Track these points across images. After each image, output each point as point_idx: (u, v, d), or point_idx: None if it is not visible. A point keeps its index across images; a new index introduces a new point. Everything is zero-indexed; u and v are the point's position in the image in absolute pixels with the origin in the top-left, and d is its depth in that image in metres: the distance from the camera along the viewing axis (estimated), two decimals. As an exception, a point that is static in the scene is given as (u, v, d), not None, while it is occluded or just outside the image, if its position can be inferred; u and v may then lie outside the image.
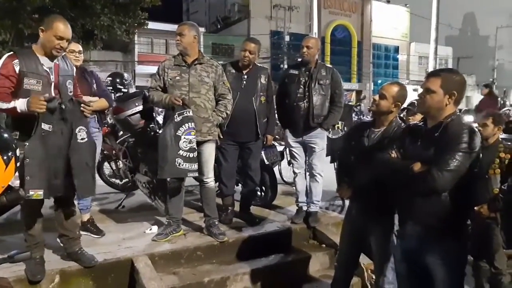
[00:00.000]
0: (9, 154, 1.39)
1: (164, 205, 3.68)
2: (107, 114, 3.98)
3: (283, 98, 3.94)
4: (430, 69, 18.22)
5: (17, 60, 2.56)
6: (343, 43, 30.25)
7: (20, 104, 2.49)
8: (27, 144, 2.45)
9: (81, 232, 3.47)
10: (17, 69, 2.55)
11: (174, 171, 3.21)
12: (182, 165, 3.19)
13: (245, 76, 3.82)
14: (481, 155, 2.06)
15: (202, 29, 23.47)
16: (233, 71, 3.84)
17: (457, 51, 40.84)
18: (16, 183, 2.29)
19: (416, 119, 3.54)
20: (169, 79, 3.36)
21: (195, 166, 3.25)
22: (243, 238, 3.58)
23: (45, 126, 2.53)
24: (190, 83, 3.35)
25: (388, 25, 32.97)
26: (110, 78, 4.68)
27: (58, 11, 10.98)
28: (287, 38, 25.70)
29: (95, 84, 3.41)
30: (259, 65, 4.02)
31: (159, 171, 3.27)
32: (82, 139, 2.71)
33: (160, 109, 4.38)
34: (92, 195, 3.18)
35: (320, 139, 3.88)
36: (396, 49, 35.70)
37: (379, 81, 31.39)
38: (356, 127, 3.02)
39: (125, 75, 4.79)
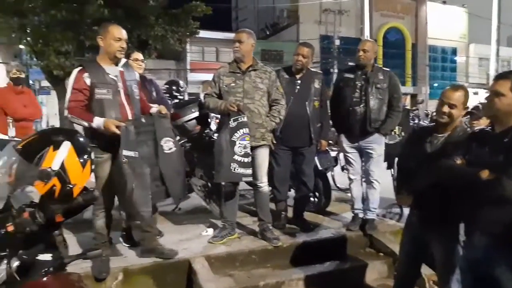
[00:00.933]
0: (85, 157, 1.49)
1: (219, 208, 3.76)
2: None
3: (338, 103, 3.89)
4: (492, 71, 17.24)
5: (87, 73, 2.76)
6: (396, 46, 29.29)
7: (98, 124, 2.69)
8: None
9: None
10: (88, 81, 2.74)
11: (229, 175, 3.27)
12: (237, 169, 3.24)
13: (299, 81, 3.82)
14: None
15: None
16: (286, 76, 3.86)
17: (521, 51, 38.20)
18: (92, 182, 2.45)
19: (481, 123, 3.37)
20: (224, 86, 3.44)
21: (249, 171, 3.29)
22: (297, 243, 3.56)
23: (127, 153, 2.68)
24: (244, 90, 3.40)
25: (444, 26, 31.54)
26: (167, 86, 4.86)
27: (116, 23, 11.57)
28: (337, 42, 25.33)
29: (154, 92, 3.56)
30: (312, 69, 4.00)
31: (215, 175, 3.34)
32: (169, 149, 2.94)
33: (214, 115, 4.49)
34: (183, 197, 3.50)
35: (377, 145, 3.79)
36: (454, 51, 34.04)
37: (435, 84, 30.10)
38: (416, 132, 2.92)
39: (181, 82, 4.95)
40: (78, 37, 10.51)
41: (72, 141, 1.48)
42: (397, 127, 4.96)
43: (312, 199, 4.49)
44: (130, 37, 12.70)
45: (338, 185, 5.76)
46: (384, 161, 4.18)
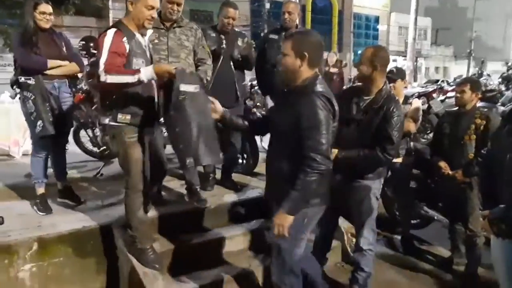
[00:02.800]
0: None
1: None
2: (81, 80, 3.83)
3: (262, 64, 3.86)
4: (410, 39, 18.29)
5: (125, 38, 2.38)
6: (324, 12, 29.77)
7: (146, 74, 2.27)
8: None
9: (58, 200, 3.43)
10: (127, 48, 2.38)
11: None
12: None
13: (224, 40, 3.71)
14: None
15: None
16: (213, 34, 3.73)
17: (436, 22, 40.93)
18: None
19: (397, 86, 3.54)
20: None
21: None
22: (225, 204, 3.57)
23: (185, 87, 2.25)
24: (169, 47, 3.22)
25: (369, -6, 32.60)
26: (83, 42, 4.48)
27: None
28: (267, 5, 25.09)
29: (64, 48, 3.24)
30: (236, 30, 3.91)
31: None
32: None
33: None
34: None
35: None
36: (377, 19, 35.47)
37: (359, 51, 31.29)
38: (345, 92, 3.06)
39: (100, 39, 4.58)
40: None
41: None
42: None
43: (240, 160, 4.50)
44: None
45: (265, 146, 5.82)
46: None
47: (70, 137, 5.43)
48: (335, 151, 2.41)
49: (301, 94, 2.06)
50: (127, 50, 2.40)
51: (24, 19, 3.14)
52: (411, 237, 3.99)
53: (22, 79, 3.06)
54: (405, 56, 21.68)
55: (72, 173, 4.49)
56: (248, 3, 26.62)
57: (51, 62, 3.10)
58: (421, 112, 3.66)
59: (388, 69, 3.35)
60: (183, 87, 2.18)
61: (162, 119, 2.77)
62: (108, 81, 2.28)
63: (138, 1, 2.41)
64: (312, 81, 2.08)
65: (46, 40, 3.16)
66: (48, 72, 3.11)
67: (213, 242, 3.16)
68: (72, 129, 5.36)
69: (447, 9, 58.21)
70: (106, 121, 2.53)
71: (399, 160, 3.55)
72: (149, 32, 2.64)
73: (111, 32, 2.38)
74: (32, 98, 3.04)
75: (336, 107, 2.12)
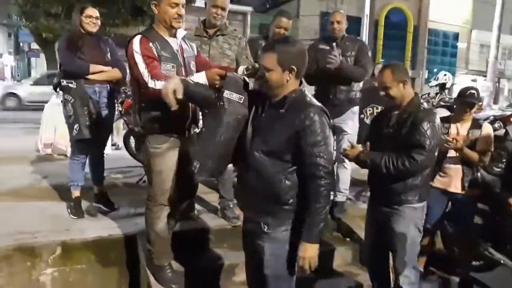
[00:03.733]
0: None
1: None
2: (125, 86, 3.84)
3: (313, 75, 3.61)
4: (491, 58, 16.89)
5: (151, 43, 2.27)
6: (398, 27, 28.57)
7: (199, 78, 2.19)
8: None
9: (94, 204, 3.42)
10: (155, 52, 2.27)
11: None
12: None
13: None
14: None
15: (250, 9, 23.07)
16: (264, 44, 3.54)
17: (524, 40, 37.61)
18: None
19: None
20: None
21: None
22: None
23: (230, 95, 2.03)
24: (210, 55, 3.09)
25: (448, 10, 30.82)
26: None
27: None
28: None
29: (109, 53, 3.25)
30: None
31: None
32: None
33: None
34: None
35: (351, 121, 3.59)
36: (456, 36, 33.37)
37: (435, 70, 29.61)
38: (378, 114, 2.82)
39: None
40: (69, 0, 10.03)
41: None
42: (379, 107, 4.70)
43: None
44: (124, 2, 12.30)
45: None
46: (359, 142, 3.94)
47: (121, 142, 5.63)
48: (355, 149, 2.37)
49: (296, 108, 1.85)
50: (156, 55, 2.28)
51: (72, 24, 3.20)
52: (472, 280, 3.46)
53: (64, 82, 3.10)
54: (486, 77, 20.08)
55: (116, 178, 4.59)
56: (318, 17, 26.48)
57: (93, 67, 3.12)
58: (492, 139, 3.16)
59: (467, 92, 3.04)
60: (227, 94, 2.01)
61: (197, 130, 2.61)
62: (158, 87, 2.15)
63: (161, 1, 2.29)
64: (301, 93, 1.90)
65: (92, 44, 3.19)
66: (90, 76, 3.12)
67: (240, 266, 2.92)
68: (123, 134, 5.58)
69: (537, 27, 53.49)
70: (136, 128, 2.44)
71: (460, 190, 3.11)
72: (181, 32, 2.46)
73: (136, 39, 2.28)
74: (72, 101, 3.07)
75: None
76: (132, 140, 5.09)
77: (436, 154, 2.37)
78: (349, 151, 2.41)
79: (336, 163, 3.63)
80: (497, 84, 29.11)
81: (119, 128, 6.09)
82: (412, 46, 29.88)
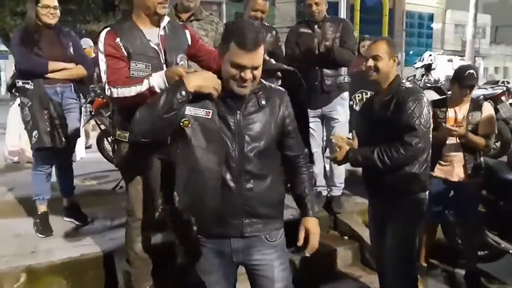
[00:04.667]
0: None
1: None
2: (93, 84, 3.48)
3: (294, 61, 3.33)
4: (468, 37, 16.90)
5: (119, 38, 1.90)
6: (373, 11, 28.49)
7: (157, 81, 1.77)
8: None
9: (65, 219, 3.08)
10: (122, 49, 1.90)
11: None
12: None
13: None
14: None
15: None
16: None
17: (496, 19, 38.16)
18: None
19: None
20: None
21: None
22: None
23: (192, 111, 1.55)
24: (184, 44, 2.75)
25: (422, -10, 30.95)
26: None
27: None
28: (313, 6, 24.44)
29: (71, 48, 2.87)
30: (266, 24, 3.44)
31: None
32: None
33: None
34: None
35: (341, 107, 3.32)
36: (431, 17, 33.59)
37: (411, 52, 29.73)
38: (368, 99, 2.63)
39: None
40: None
41: None
42: (369, 92, 4.44)
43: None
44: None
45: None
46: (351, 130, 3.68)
47: (95, 144, 5.23)
48: (342, 149, 2.13)
49: (404, 95, 2.04)
50: (124, 53, 1.91)
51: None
52: (478, 272, 3.25)
53: (20, 83, 2.72)
54: (462, 56, 20.19)
55: (90, 184, 4.23)
56: (294, 3, 26.12)
57: (53, 64, 2.74)
58: (495, 120, 2.94)
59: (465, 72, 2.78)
60: (190, 110, 1.51)
61: None
62: (115, 95, 1.84)
63: None
64: (399, 79, 2.14)
65: (51, 38, 2.81)
66: (49, 75, 2.75)
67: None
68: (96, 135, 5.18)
69: (508, 5, 54.40)
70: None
71: (462, 179, 2.88)
72: (165, 20, 2.06)
73: (102, 34, 1.92)
74: (29, 104, 2.70)
75: None
76: (106, 143, 4.71)
77: (430, 135, 2.13)
78: (336, 154, 2.15)
79: (329, 154, 3.38)
80: (473, 63, 29.44)
81: (88, 131, 5.70)
82: (388, 29, 29.79)
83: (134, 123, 1.52)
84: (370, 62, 2.13)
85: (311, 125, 3.30)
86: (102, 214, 3.28)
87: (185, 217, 1.60)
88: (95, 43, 2.23)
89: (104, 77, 1.90)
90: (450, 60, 30.01)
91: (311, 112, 3.27)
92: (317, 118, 3.31)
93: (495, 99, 5.60)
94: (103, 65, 1.90)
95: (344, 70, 3.34)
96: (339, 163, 2.19)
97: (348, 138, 2.29)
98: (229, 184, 1.54)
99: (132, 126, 1.54)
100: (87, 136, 5.76)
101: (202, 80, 1.50)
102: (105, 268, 2.54)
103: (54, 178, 3.08)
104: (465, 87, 2.80)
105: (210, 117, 1.51)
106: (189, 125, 1.49)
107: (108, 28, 1.95)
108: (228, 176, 1.53)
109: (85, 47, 3.91)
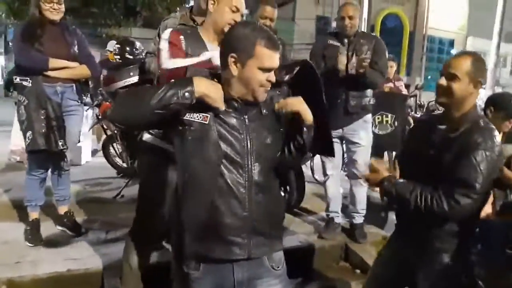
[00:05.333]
0: None
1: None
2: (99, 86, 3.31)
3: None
4: (491, 65, 16.56)
5: (182, 36, 1.80)
6: (394, 33, 28.33)
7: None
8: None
9: (58, 227, 2.88)
10: (183, 46, 1.78)
11: None
12: None
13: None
14: None
15: (246, 11, 22.67)
16: None
17: (518, 49, 37.67)
18: None
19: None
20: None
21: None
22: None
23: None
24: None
25: (444, 16, 30.75)
26: (119, 46, 3.98)
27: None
28: (333, 24, 24.38)
29: (76, 46, 2.71)
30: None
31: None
32: None
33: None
34: None
35: (364, 132, 3.05)
36: (451, 43, 33.34)
37: (429, 77, 29.38)
38: (419, 124, 2.15)
39: (137, 43, 4.05)
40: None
41: None
42: (389, 116, 4.21)
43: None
44: (116, 2, 11.86)
45: (317, 177, 4.98)
46: (372, 155, 3.43)
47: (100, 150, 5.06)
48: (378, 174, 1.74)
49: (476, 138, 1.55)
50: (184, 50, 1.75)
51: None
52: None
53: (18, 79, 2.54)
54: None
55: (91, 191, 4.05)
56: (314, 20, 26.11)
57: (54, 62, 2.58)
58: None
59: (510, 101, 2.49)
60: (188, 114, 1.34)
61: None
62: (170, 66, 1.67)
63: (222, 1, 1.80)
64: (476, 112, 1.66)
65: (54, 35, 2.65)
66: (50, 73, 2.58)
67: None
68: (102, 140, 5.02)
69: (531, 36, 53.89)
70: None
71: (491, 217, 2.60)
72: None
73: (167, 32, 1.80)
74: (25, 103, 2.52)
75: None
76: (112, 148, 4.54)
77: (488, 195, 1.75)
78: (370, 176, 1.82)
79: (350, 180, 3.14)
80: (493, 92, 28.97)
81: (100, 134, 5.53)
82: (407, 52, 29.73)
83: (118, 103, 1.36)
84: (443, 81, 1.67)
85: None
86: (98, 225, 3.08)
87: (178, 235, 1.42)
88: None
89: (161, 58, 1.73)
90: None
91: None
92: (336, 139, 3.05)
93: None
94: (164, 46, 1.73)
95: (370, 91, 3.07)
96: (371, 184, 1.92)
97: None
98: (239, 197, 1.35)
99: (116, 105, 1.38)
100: (99, 139, 5.61)
101: (211, 89, 1.33)
102: (93, 286, 2.32)
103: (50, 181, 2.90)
104: (509, 117, 2.54)
105: (207, 122, 1.34)
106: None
107: (171, 29, 1.85)
108: (237, 188, 1.35)
109: (110, 50, 3.75)
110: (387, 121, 4.24)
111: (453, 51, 33.17)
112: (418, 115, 7.34)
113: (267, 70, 1.34)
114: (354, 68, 2.83)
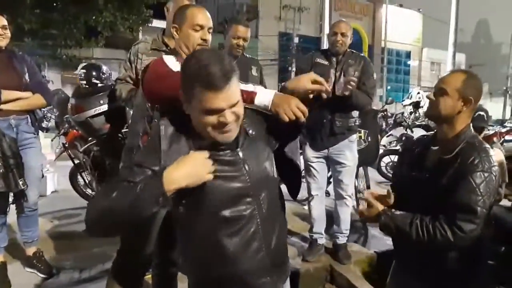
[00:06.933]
0: None
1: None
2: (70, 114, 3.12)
3: None
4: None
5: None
6: (354, 47, 29.19)
7: (264, 94, 1.41)
8: None
9: (26, 269, 2.66)
10: None
11: None
12: None
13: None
14: None
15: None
16: None
17: (470, 58, 39.82)
18: None
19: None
20: (142, 68, 2.49)
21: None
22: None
23: None
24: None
25: (400, 29, 32.10)
26: (84, 71, 3.82)
27: (60, 6, 10.37)
28: (296, 40, 24.85)
29: (27, 74, 2.54)
30: (248, 56, 3.08)
31: None
32: None
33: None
34: None
35: (350, 152, 3.01)
36: (408, 54, 34.81)
37: (389, 87, 30.40)
38: (408, 144, 2.13)
39: (104, 67, 3.89)
40: (16, 20, 9.12)
41: None
42: (363, 131, 4.24)
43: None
44: (77, 23, 11.56)
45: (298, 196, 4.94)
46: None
47: (67, 180, 4.81)
48: (374, 208, 1.59)
49: (472, 159, 1.48)
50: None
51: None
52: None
53: None
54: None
55: (58, 225, 3.82)
56: (276, 37, 26.52)
57: (6, 94, 2.40)
58: (505, 167, 2.74)
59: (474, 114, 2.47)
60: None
61: None
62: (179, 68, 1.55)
63: (183, 24, 1.76)
64: (468, 131, 1.59)
65: (3, 64, 2.48)
66: (3, 106, 2.40)
67: None
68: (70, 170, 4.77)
69: (480, 45, 56.93)
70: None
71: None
72: None
73: (171, 57, 1.64)
74: (-24, 141, 2.32)
75: None
76: (80, 177, 4.31)
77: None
78: (365, 211, 1.66)
79: (335, 200, 3.10)
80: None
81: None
82: (368, 65, 30.58)
83: (92, 220, 1.10)
84: (431, 95, 1.63)
85: (314, 165, 3.04)
86: (70, 263, 2.88)
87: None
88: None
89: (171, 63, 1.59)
90: (427, 97, 30.75)
91: (314, 153, 3.03)
92: (321, 159, 3.01)
93: (487, 140, 5.53)
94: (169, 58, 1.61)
95: (356, 112, 3.02)
96: (367, 220, 1.76)
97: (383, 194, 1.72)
98: (257, 238, 1.27)
99: (91, 223, 1.11)
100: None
101: (191, 171, 1.12)
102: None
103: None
104: (478, 131, 2.59)
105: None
106: None
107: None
108: (254, 229, 1.26)
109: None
110: (360, 137, 4.26)
111: (410, 62, 34.63)
112: (387, 129, 7.50)
113: (212, 112, 1.14)
114: (341, 89, 2.75)
